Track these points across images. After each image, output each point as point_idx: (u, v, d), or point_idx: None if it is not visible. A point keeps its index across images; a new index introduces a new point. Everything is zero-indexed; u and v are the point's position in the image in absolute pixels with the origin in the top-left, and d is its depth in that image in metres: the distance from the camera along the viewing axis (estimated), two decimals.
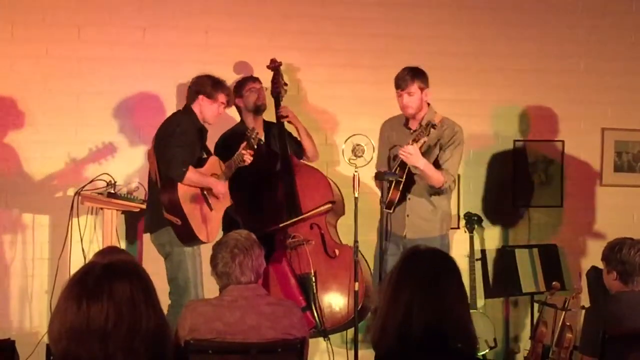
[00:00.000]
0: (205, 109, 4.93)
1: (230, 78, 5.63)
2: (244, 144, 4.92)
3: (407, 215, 4.87)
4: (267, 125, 5.38)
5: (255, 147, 4.95)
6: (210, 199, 4.89)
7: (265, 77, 5.37)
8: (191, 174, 4.72)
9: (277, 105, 5.32)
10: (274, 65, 5.37)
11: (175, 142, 4.74)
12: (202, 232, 4.80)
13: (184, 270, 4.83)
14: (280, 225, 5.16)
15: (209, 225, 4.87)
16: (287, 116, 5.29)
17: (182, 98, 5.15)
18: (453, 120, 4.97)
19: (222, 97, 4.95)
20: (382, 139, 5.03)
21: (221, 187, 4.88)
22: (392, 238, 4.84)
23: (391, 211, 4.80)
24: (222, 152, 5.10)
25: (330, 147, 5.80)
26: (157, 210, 4.83)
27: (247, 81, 5.31)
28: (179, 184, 4.71)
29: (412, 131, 4.88)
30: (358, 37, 5.86)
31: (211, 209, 4.90)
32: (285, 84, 5.39)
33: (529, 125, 6.16)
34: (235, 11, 5.74)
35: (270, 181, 5.26)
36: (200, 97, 4.90)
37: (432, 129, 4.62)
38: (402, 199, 4.84)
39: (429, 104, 4.94)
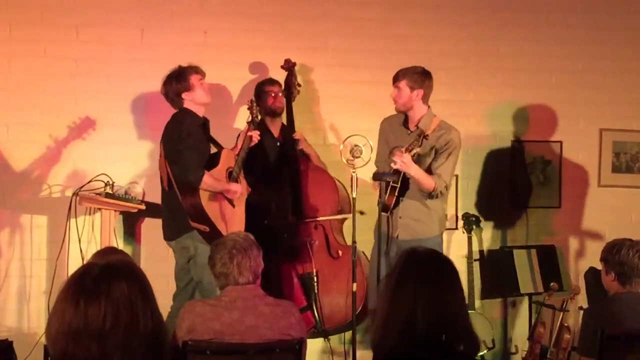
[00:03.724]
0: (195, 98, 4.90)
1: (229, 78, 5.65)
2: (246, 127, 5.00)
3: (400, 217, 4.87)
4: (283, 128, 5.42)
5: (258, 121, 5.03)
6: None
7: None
8: (207, 178, 4.71)
9: (289, 105, 5.37)
10: (288, 66, 5.40)
11: (185, 146, 4.72)
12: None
13: (210, 273, 4.81)
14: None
15: (235, 222, 4.86)
16: (300, 143, 5.33)
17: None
18: (451, 122, 4.98)
19: (194, 78, 4.90)
20: (381, 137, 5.05)
21: (234, 188, 4.87)
22: (384, 239, 4.82)
23: (387, 214, 4.82)
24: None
25: (328, 147, 5.79)
26: (176, 218, 4.82)
27: (266, 83, 5.35)
28: (200, 189, 4.70)
29: (409, 132, 4.92)
30: (357, 37, 5.86)
31: (233, 206, 4.89)
32: (299, 85, 5.42)
33: (527, 126, 6.16)
34: (234, 11, 5.73)
35: (279, 181, 5.27)
36: (183, 95, 4.89)
37: (424, 140, 4.67)
38: (397, 202, 4.85)
39: (429, 107, 4.95)
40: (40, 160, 5.43)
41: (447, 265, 2.51)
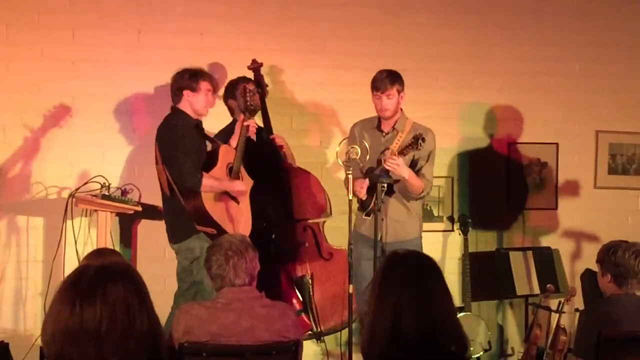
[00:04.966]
0: (194, 102, 4.89)
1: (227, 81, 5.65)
2: (241, 117, 4.94)
3: (382, 219, 4.79)
4: (258, 129, 5.32)
5: (255, 111, 4.98)
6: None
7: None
8: (206, 180, 4.69)
9: (263, 105, 5.29)
10: (255, 66, 5.32)
11: (180, 151, 4.70)
12: (238, 232, 4.76)
13: None
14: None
15: (242, 220, 4.84)
16: (281, 145, 5.27)
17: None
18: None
19: (205, 85, 4.90)
20: (352, 142, 4.89)
21: (239, 187, 4.84)
22: (367, 242, 4.79)
23: (369, 217, 4.80)
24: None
25: (324, 149, 5.80)
26: (179, 222, 4.81)
27: (239, 82, 5.28)
28: (202, 192, 4.68)
29: (384, 134, 4.90)
30: (353, 39, 5.86)
31: (238, 203, 4.87)
32: (266, 85, 5.37)
33: (523, 128, 6.17)
34: (230, 14, 5.73)
35: (262, 182, 5.24)
36: (185, 92, 4.88)
37: (422, 142, 4.58)
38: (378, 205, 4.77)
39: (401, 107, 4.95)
40: (28, 157, 5.42)
41: (428, 264, 2.49)
